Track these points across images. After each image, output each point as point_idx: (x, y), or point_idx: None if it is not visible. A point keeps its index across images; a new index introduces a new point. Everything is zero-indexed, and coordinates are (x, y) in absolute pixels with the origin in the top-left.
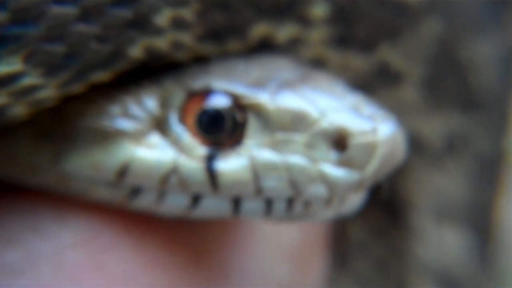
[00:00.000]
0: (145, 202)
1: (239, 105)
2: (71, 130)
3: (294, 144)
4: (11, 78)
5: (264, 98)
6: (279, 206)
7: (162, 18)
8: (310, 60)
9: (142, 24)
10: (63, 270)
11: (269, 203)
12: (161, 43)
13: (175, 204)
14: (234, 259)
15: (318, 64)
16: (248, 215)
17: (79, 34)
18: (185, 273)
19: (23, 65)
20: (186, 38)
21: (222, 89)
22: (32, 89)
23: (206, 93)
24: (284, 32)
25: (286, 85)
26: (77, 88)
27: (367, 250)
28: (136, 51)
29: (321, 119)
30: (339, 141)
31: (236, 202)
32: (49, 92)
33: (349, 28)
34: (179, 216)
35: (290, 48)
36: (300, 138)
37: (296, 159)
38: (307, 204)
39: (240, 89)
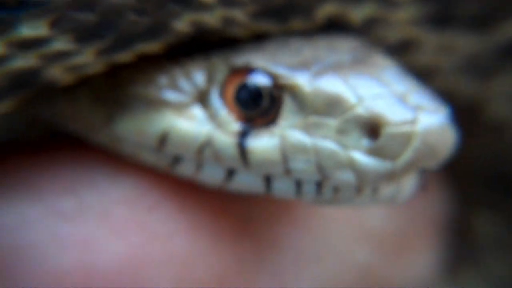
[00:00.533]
0: (185, 170)
1: (277, 85)
2: (121, 95)
3: (326, 128)
4: (38, 42)
5: (301, 80)
6: (309, 188)
7: None
8: (398, 41)
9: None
10: (108, 223)
11: (298, 184)
12: (210, 18)
13: (212, 175)
14: (291, 235)
15: (408, 46)
16: (280, 193)
17: (111, 5)
18: (228, 238)
19: (50, 30)
20: (239, 14)
21: (262, 67)
22: (64, 54)
23: (247, 70)
24: (360, 12)
25: (332, 68)
26: (124, 57)
27: (502, 248)
28: (181, 25)
29: (357, 105)
30: (372, 128)
31: (268, 180)
32: (86, 59)
33: (451, 6)
34: (219, 187)
35: (367, 29)
36: (333, 122)
37: (326, 144)
38: (336, 189)
39: (279, 69)
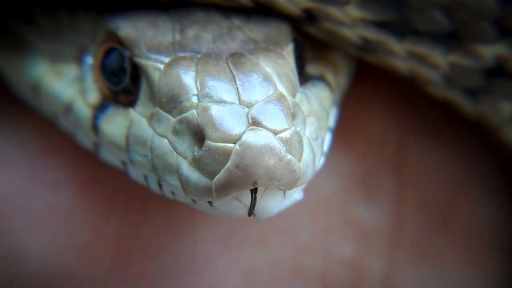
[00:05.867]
0: (63, 127)
1: (134, 64)
2: (11, 34)
3: (166, 125)
4: None
5: (153, 64)
6: (152, 184)
7: None
8: (359, 40)
9: None
10: None
11: (144, 176)
12: None
13: (81, 141)
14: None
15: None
16: (136, 180)
17: None
18: (124, 205)
19: None
20: None
21: (125, 39)
22: None
23: (116, 38)
24: (292, 3)
25: (196, 59)
26: None
27: None
28: None
29: (192, 107)
30: (199, 136)
31: (124, 163)
32: None
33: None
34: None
35: (311, 22)
36: (171, 120)
37: (161, 142)
38: (172, 192)
39: (140, 47)
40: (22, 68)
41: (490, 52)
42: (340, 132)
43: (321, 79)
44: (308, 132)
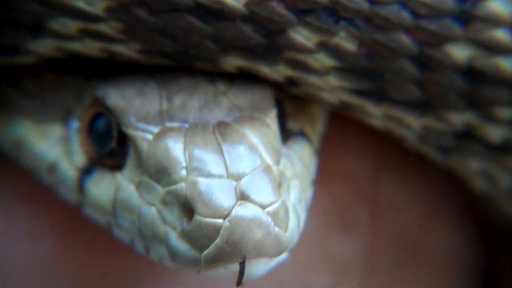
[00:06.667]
0: (43, 182)
1: (121, 132)
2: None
3: (154, 194)
4: None
5: (141, 135)
6: (139, 248)
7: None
8: (337, 102)
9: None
10: None
11: (131, 239)
12: (85, 49)
13: (66, 197)
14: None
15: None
16: (120, 240)
17: None
18: (105, 251)
19: None
20: (123, 50)
21: (113, 108)
22: None
23: (103, 105)
24: (273, 71)
25: (184, 129)
26: None
27: None
28: (41, 48)
29: (181, 180)
30: (188, 210)
31: (109, 224)
32: None
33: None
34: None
35: (291, 86)
36: (160, 190)
37: (149, 211)
38: (159, 258)
39: (127, 116)
40: (6, 125)
41: (459, 118)
42: (318, 169)
43: (301, 134)
44: (292, 197)
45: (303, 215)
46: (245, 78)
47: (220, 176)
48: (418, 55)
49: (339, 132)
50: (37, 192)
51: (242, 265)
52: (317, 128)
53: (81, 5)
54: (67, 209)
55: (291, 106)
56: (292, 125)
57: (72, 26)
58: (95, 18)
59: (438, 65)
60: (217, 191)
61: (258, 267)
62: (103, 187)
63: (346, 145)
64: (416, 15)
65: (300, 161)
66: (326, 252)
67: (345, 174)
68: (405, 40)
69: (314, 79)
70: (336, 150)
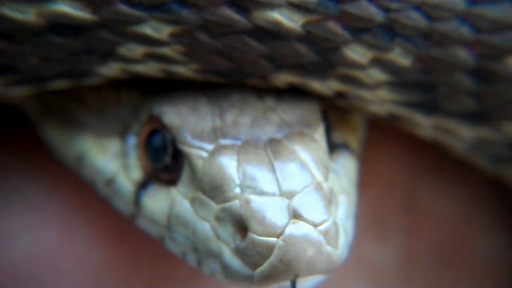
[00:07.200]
0: (100, 194)
1: (176, 149)
2: (58, 108)
3: (208, 210)
4: None
5: (197, 153)
6: (191, 260)
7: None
8: (386, 114)
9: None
10: (26, 217)
11: (183, 253)
12: (145, 69)
13: (119, 209)
14: None
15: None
16: (173, 252)
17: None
18: (149, 258)
19: None
20: (181, 69)
21: (169, 125)
22: None
23: (159, 122)
24: (323, 85)
25: (237, 146)
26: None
27: None
28: (109, 71)
29: (235, 198)
30: (242, 228)
31: (161, 237)
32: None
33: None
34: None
35: (340, 100)
36: (214, 207)
37: (203, 227)
38: (212, 273)
39: (182, 134)
40: (69, 140)
41: None
42: None
43: (345, 146)
44: (341, 213)
45: (350, 230)
46: (293, 93)
47: (273, 194)
48: (476, 68)
49: (376, 139)
50: (92, 203)
51: (294, 282)
52: (358, 138)
53: (149, 31)
54: (119, 219)
55: (334, 117)
56: (336, 137)
57: (138, 50)
58: (160, 43)
59: (498, 78)
60: (271, 210)
61: (308, 283)
62: (159, 201)
63: (383, 151)
64: (477, 29)
65: (346, 175)
66: (363, 259)
67: (382, 181)
68: (463, 54)
69: (364, 93)
70: (373, 156)
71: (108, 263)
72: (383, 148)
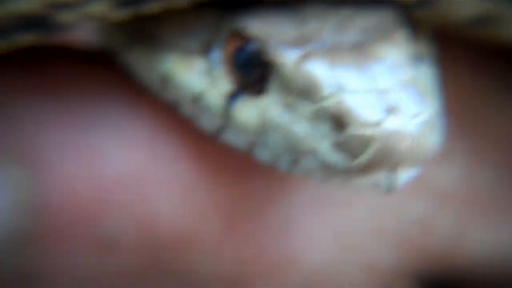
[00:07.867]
0: (185, 113)
1: (265, 59)
2: (141, 30)
3: (302, 111)
4: None
5: (287, 59)
6: (284, 162)
7: None
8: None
9: None
10: (118, 136)
11: (275, 156)
12: None
13: (205, 125)
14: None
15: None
16: (260, 159)
17: None
18: (236, 174)
19: None
20: None
21: (255, 38)
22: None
23: (245, 36)
24: None
25: (325, 50)
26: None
27: None
28: None
29: (329, 97)
30: (340, 123)
31: (251, 144)
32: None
33: None
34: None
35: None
36: (307, 107)
37: (298, 127)
38: (306, 171)
39: (269, 44)
40: (154, 63)
41: None
42: None
43: (425, 54)
44: (434, 107)
45: (440, 124)
46: (371, 2)
47: (367, 91)
48: None
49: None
50: (174, 124)
51: (390, 174)
52: (431, 52)
53: None
54: (199, 138)
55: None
56: (416, 46)
57: None
58: None
59: None
60: (367, 105)
61: (403, 176)
62: (250, 110)
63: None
64: None
65: (430, 77)
66: (422, 181)
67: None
68: None
69: None
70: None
71: (195, 178)
72: (445, 70)
